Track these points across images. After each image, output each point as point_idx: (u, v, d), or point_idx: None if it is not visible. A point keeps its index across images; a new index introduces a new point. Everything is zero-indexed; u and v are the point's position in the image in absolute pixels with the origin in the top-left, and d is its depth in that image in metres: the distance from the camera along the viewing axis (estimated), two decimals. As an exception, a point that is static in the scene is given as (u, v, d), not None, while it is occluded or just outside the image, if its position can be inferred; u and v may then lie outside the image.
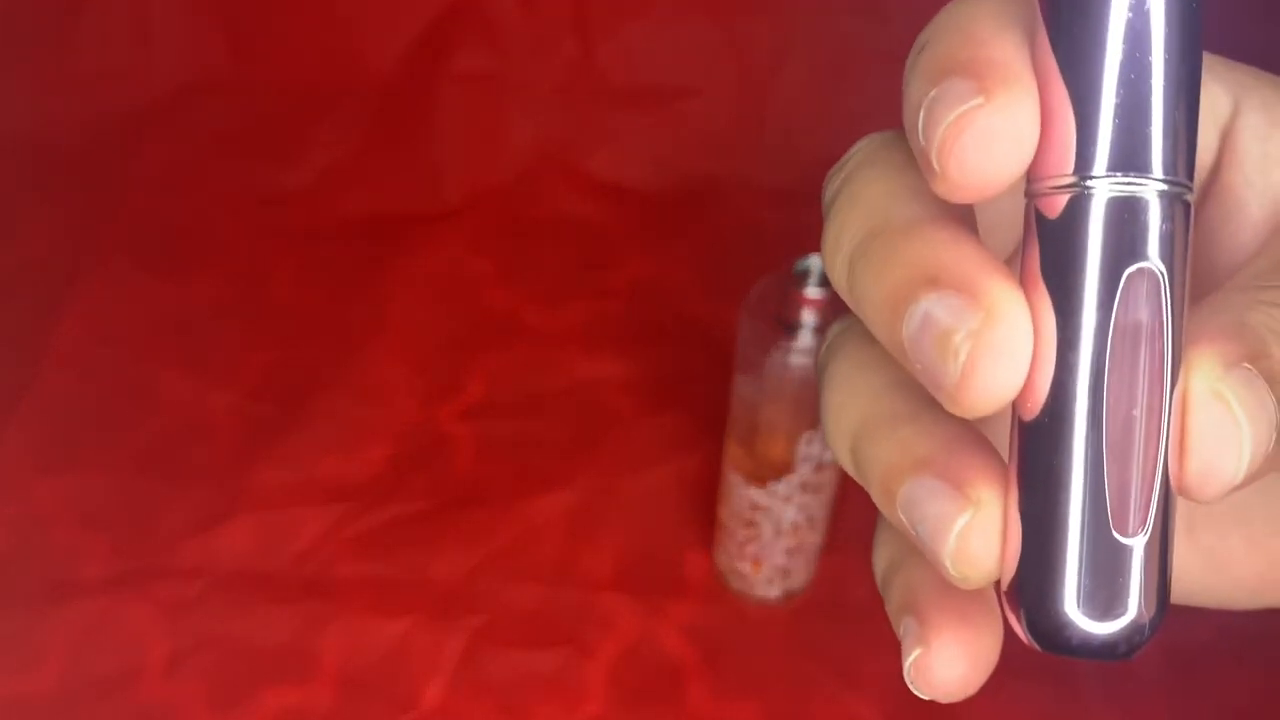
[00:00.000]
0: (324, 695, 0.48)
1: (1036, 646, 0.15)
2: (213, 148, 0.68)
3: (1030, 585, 0.15)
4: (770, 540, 0.48)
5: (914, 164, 0.17)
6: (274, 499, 0.54)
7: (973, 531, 0.16)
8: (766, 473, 0.45)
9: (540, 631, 0.50)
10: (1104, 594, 0.15)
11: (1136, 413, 0.15)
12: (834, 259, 0.18)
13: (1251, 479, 0.15)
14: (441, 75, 0.68)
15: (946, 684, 0.17)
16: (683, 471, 0.55)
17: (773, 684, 0.48)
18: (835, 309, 0.40)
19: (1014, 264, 0.20)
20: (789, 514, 0.47)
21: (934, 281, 0.15)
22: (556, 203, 0.67)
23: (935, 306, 0.15)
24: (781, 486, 0.45)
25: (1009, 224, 0.19)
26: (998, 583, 0.16)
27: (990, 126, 0.15)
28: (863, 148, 0.19)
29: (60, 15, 0.68)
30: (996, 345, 0.15)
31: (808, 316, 0.40)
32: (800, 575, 0.50)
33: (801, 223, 0.66)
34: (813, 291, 0.40)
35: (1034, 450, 0.15)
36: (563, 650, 0.49)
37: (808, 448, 0.44)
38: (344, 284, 0.63)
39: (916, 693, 0.18)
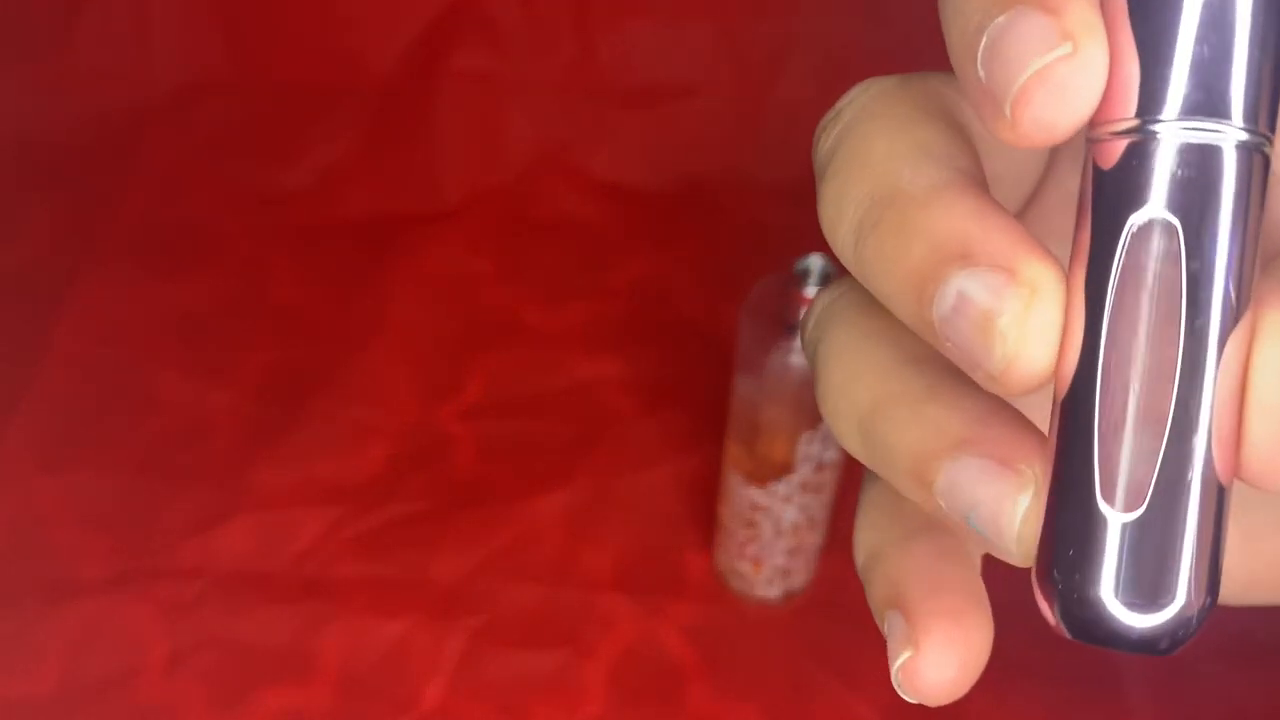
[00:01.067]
0: (323, 695, 0.48)
1: (1068, 636, 0.14)
2: (212, 148, 0.68)
3: (1063, 569, 0.14)
4: (770, 540, 0.48)
5: (920, 116, 0.16)
6: (274, 499, 0.54)
7: (1034, 511, 0.14)
8: (767, 473, 0.45)
9: (540, 632, 0.50)
10: (1141, 581, 0.14)
11: (1146, 383, 0.14)
12: (837, 227, 0.16)
13: None
14: (441, 75, 0.68)
15: (937, 688, 0.16)
16: (683, 471, 0.55)
17: (773, 684, 0.48)
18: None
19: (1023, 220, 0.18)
20: (789, 514, 0.47)
21: (966, 257, 0.14)
22: (556, 203, 0.67)
23: (970, 285, 0.14)
24: (782, 486, 0.45)
25: (1017, 172, 0.18)
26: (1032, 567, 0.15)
27: (1072, 78, 0.13)
28: (858, 97, 0.17)
29: (60, 15, 0.68)
30: (1043, 326, 0.14)
31: (808, 316, 0.40)
32: (800, 575, 0.50)
33: (801, 223, 0.66)
34: (813, 291, 0.40)
35: (1062, 423, 0.14)
36: (562, 650, 0.49)
37: (808, 448, 0.44)
38: (344, 284, 0.63)
39: (904, 696, 0.17)
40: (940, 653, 0.16)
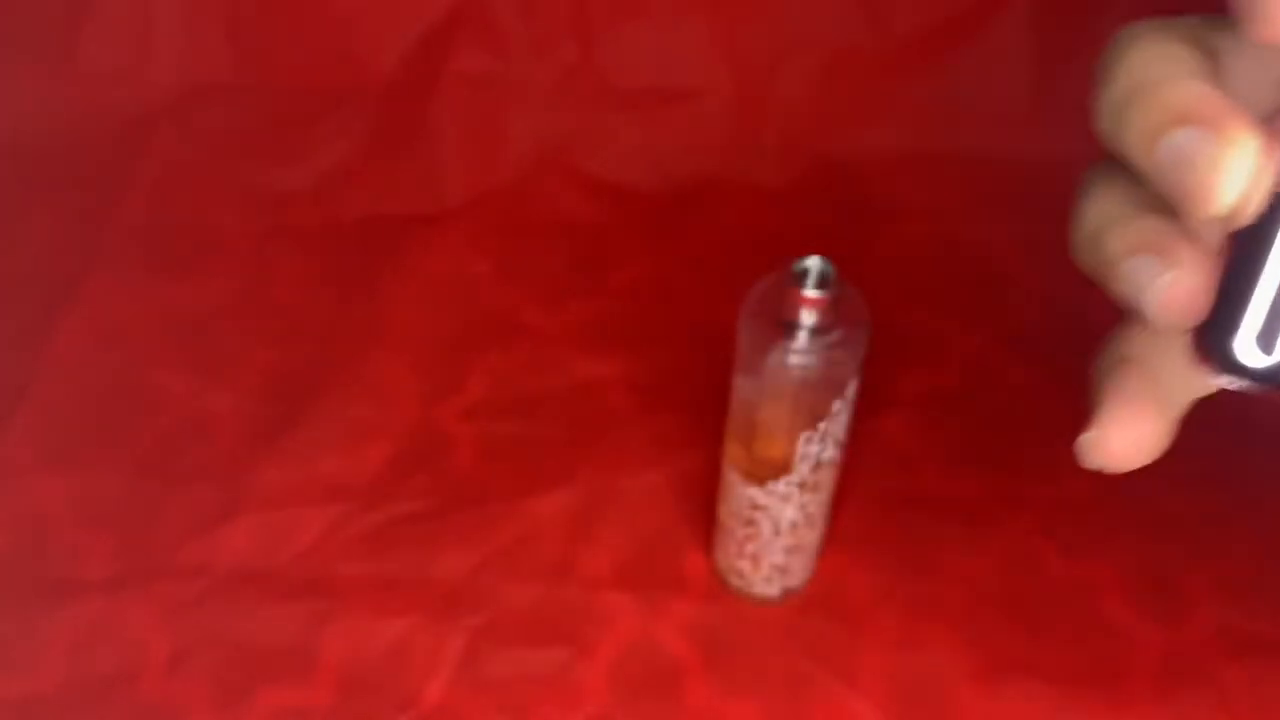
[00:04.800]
0: (324, 694, 0.48)
1: (1216, 368, 0.22)
2: (214, 149, 0.68)
3: (1218, 322, 0.21)
4: (769, 539, 0.48)
5: (1171, 37, 0.22)
6: (275, 498, 0.54)
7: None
8: (766, 472, 0.45)
9: (540, 630, 0.50)
10: (1272, 334, 0.21)
11: None
12: (1105, 109, 0.22)
13: None
14: (442, 77, 0.68)
15: (1114, 458, 0.23)
16: (682, 471, 0.55)
17: (773, 683, 0.49)
18: (835, 309, 0.40)
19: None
20: (788, 513, 0.47)
21: (1184, 118, 0.20)
22: (556, 203, 0.67)
23: (1185, 137, 0.20)
24: (781, 486, 0.46)
25: (1257, 98, 0.23)
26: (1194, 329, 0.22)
27: None
28: (1125, 34, 0.24)
29: (63, 18, 0.68)
30: (1237, 170, 0.19)
31: (807, 317, 0.41)
32: (798, 573, 0.50)
33: (801, 223, 0.67)
34: (812, 292, 0.40)
35: (1241, 237, 0.21)
36: (563, 649, 0.49)
37: (806, 447, 0.44)
38: (345, 284, 0.63)
39: (1087, 463, 0.24)
40: (1118, 430, 0.23)
